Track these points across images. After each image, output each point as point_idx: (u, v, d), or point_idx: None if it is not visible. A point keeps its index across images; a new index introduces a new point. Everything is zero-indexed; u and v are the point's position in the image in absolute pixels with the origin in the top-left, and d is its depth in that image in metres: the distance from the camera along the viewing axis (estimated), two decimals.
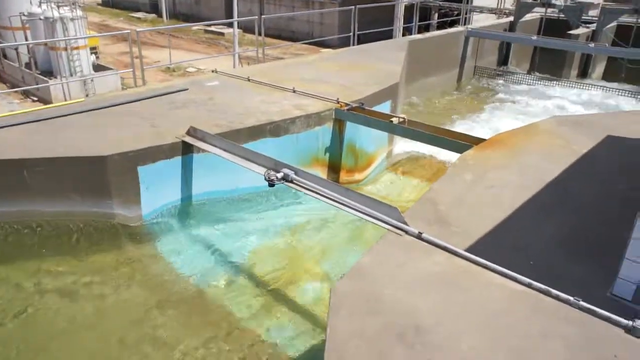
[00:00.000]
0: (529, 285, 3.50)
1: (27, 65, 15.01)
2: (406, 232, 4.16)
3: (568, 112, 12.37)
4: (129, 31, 9.74)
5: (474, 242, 4.09)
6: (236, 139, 6.40)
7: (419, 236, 4.07)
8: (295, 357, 4.64)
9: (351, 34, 13.59)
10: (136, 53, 9.78)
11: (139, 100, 7.54)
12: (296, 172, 5.00)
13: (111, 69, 15.72)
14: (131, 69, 9.54)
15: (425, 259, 3.84)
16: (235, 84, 8.61)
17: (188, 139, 6.12)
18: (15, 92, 14.41)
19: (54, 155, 5.68)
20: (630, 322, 3.10)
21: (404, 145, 9.45)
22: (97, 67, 15.56)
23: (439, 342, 3.06)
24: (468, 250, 3.94)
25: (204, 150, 6.06)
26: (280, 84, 8.44)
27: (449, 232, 4.23)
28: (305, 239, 6.33)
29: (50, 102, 12.81)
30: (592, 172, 5.36)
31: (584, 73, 16.19)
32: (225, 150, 5.80)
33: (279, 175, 5.01)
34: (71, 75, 14.00)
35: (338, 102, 7.51)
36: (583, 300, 3.31)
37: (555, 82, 14.58)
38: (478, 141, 6.13)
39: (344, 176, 8.02)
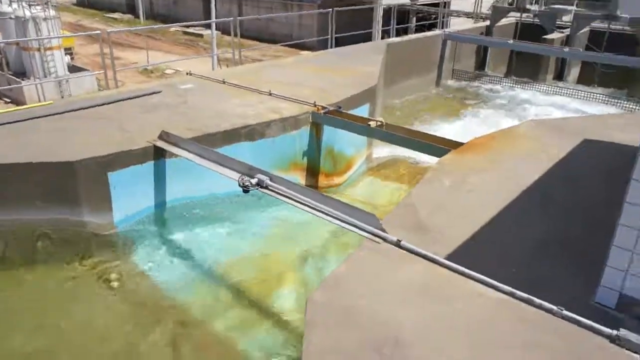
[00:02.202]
0: (511, 295, 3.40)
1: None
2: (384, 239, 4.03)
3: (545, 115, 12.44)
4: (99, 32, 9.44)
5: (455, 249, 3.98)
6: (210, 144, 6.21)
7: (397, 244, 3.95)
8: None
9: (328, 36, 13.50)
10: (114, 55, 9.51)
11: (110, 103, 7.29)
12: (271, 177, 4.84)
13: (87, 70, 15.34)
14: (102, 71, 9.26)
15: (404, 267, 3.72)
16: (210, 86, 8.41)
17: (160, 144, 5.91)
18: None
19: (19, 161, 5.41)
20: (614, 332, 3.02)
21: (383, 149, 9.35)
22: (73, 68, 15.17)
23: (419, 356, 2.93)
24: (449, 257, 3.84)
25: (177, 155, 5.86)
26: (257, 86, 8.27)
27: (429, 238, 4.12)
28: (283, 245, 6.17)
29: (24, 104, 12.44)
30: (571, 176, 5.31)
31: (559, 77, 16.38)
32: (198, 155, 5.60)
33: (253, 181, 4.85)
34: (45, 76, 13.61)
35: (315, 106, 7.37)
36: (566, 310, 3.23)
37: (531, 85, 14.70)
38: (456, 145, 6.06)
39: (322, 180, 7.88)
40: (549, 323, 3.18)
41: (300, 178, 7.60)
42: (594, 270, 3.52)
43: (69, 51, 15.87)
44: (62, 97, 13.19)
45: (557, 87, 14.51)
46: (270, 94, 7.92)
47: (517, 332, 3.11)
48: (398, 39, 13.26)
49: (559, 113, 12.60)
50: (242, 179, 4.97)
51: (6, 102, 13.74)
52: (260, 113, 7.09)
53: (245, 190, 4.93)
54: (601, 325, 3.09)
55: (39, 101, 12.62)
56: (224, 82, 8.53)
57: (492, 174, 5.25)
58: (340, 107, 7.25)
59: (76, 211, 5.62)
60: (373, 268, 3.72)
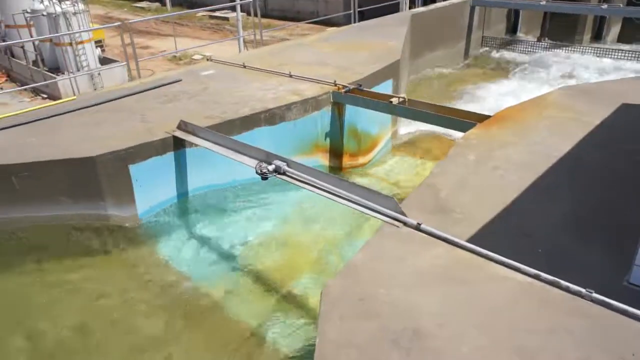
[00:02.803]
0: (536, 277, 3.22)
1: (35, 63, 14.91)
2: (404, 223, 3.89)
3: (582, 79, 11.85)
4: (119, 23, 9.47)
5: (478, 230, 3.81)
6: (230, 130, 6.16)
7: (417, 227, 3.80)
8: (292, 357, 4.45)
9: (352, 11, 13.18)
10: (139, 44, 9.55)
11: (131, 94, 7.32)
12: (288, 163, 4.74)
13: (117, 61, 15.52)
14: (125, 63, 9.31)
15: (424, 252, 3.58)
16: (230, 71, 8.33)
17: (179, 134, 5.89)
18: (25, 90, 14.33)
19: (43, 158, 5.49)
20: None
21: (410, 125, 9.10)
22: (104, 60, 15.39)
23: (439, 347, 2.80)
24: (471, 239, 3.67)
25: (195, 145, 5.83)
26: (277, 68, 8.14)
27: (451, 220, 3.95)
28: (306, 230, 6.10)
29: (60, 98, 12.74)
30: (606, 147, 5.00)
31: (598, 37, 15.54)
32: (215, 143, 5.55)
33: (271, 167, 4.76)
34: (78, 70, 13.87)
35: (335, 85, 7.19)
36: (596, 292, 3.03)
37: (567, 48, 13.99)
38: (482, 118, 5.79)
39: (346, 161, 7.74)
40: (577, 307, 2.99)
41: (323, 160, 7.48)
42: (628, 249, 3.30)
43: (99, 44, 16.09)
44: (95, 90, 13.43)
45: (596, 47, 13.74)
46: (290, 76, 7.78)
47: (542, 317, 2.94)
48: (423, 9, 12.78)
49: (598, 75, 11.98)
50: (260, 166, 4.89)
51: (43, 98, 14.09)
52: (280, 96, 6.98)
53: (264, 177, 4.86)
54: (635, 308, 2.89)
55: (74, 95, 12.89)
56: (244, 66, 8.44)
57: (519, 148, 4.99)
58: (360, 85, 7.05)
59: (100, 205, 5.68)
60: (392, 254, 3.59)
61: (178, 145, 5.98)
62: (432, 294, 3.18)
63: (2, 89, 14.74)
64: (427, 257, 3.53)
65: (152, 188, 5.96)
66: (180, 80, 7.89)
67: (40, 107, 7.09)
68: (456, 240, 3.61)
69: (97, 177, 5.57)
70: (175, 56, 17.79)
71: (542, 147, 5.00)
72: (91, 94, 8.04)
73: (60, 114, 6.64)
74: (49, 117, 6.52)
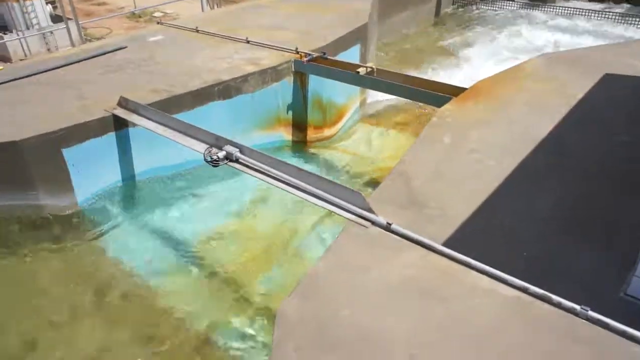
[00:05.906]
0: (524, 290, 2.79)
1: None
2: (372, 222, 3.40)
3: (561, 42, 11.38)
4: None
5: (455, 229, 3.34)
6: (178, 107, 5.51)
7: (387, 227, 3.32)
8: None
9: None
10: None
11: (68, 64, 6.52)
12: (241, 149, 4.16)
13: (70, 19, 14.29)
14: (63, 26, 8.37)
15: (394, 259, 3.10)
16: (182, 37, 7.54)
17: (119, 112, 5.20)
18: None
19: None
20: None
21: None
22: (56, 18, 14.14)
23: None
24: (448, 241, 3.22)
25: (138, 124, 5.16)
26: (233, 33, 7.40)
27: (425, 216, 3.48)
28: (268, 217, 5.56)
29: (10, 60, 11.71)
30: (593, 124, 4.57)
31: None
32: (159, 123, 4.89)
33: (221, 154, 4.18)
34: (28, 28, 12.70)
35: (297, 52, 6.53)
36: (591, 308, 2.62)
37: (544, 6, 13.45)
38: (457, 91, 5.28)
39: (311, 134, 7.17)
40: (571, 327, 2.58)
41: (285, 134, 6.90)
42: (625, 251, 2.90)
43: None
44: (49, 50, 12.35)
45: (572, 7, 13.24)
46: (247, 42, 7.07)
47: (531, 341, 2.52)
48: None
49: (578, 39, 11.54)
50: (210, 152, 4.30)
51: None
52: (235, 66, 6.30)
53: (215, 164, 4.28)
54: (633, 323, 2.49)
55: (25, 56, 11.83)
56: (197, 31, 7.66)
57: (498, 127, 4.52)
58: (324, 53, 6.41)
59: (31, 195, 5.02)
60: (358, 262, 3.10)
61: (120, 124, 5.31)
62: (405, 315, 2.72)
63: None
64: (398, 265, 3.06)
65: (92, 173, 5.31)
66: (125, 47, 7.09)
67: None
68: (431, 243, 3.14)
69: (24, 164, 4.88)
70: (134, 14, 16.60)
71: (521, 126, 4.53)
72: (21, 64, 7.17)
73: None
74: None
